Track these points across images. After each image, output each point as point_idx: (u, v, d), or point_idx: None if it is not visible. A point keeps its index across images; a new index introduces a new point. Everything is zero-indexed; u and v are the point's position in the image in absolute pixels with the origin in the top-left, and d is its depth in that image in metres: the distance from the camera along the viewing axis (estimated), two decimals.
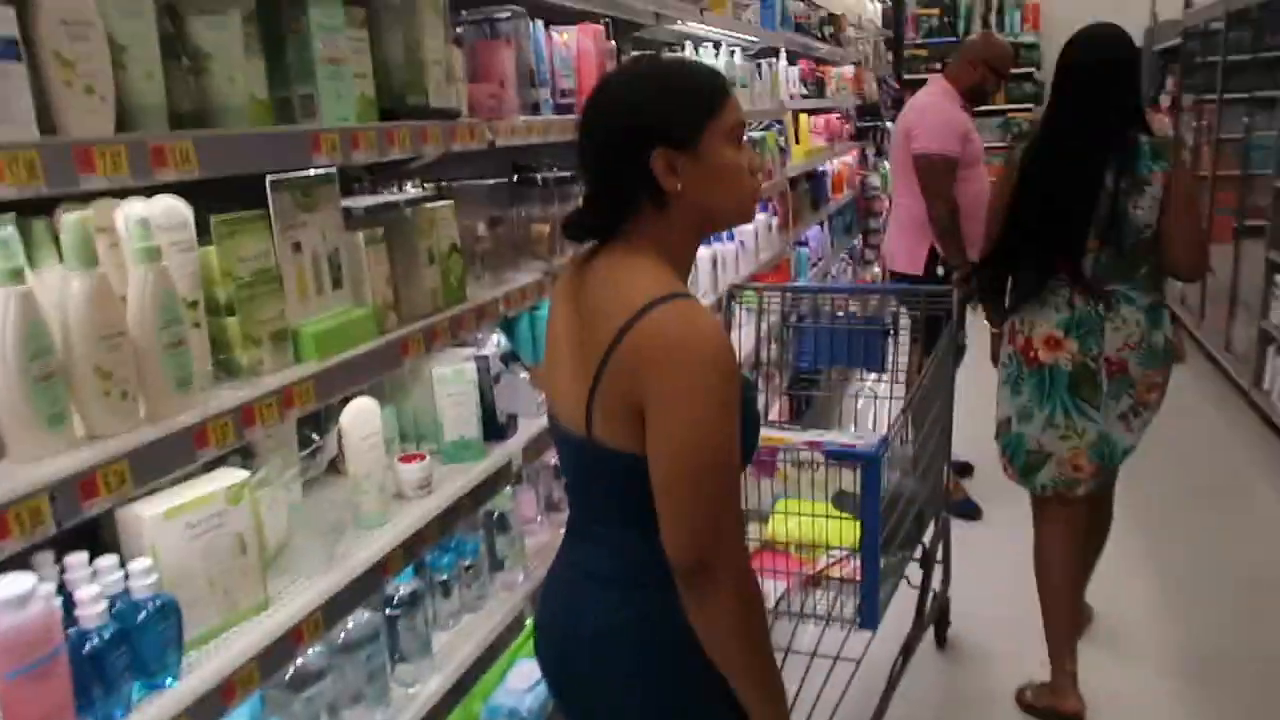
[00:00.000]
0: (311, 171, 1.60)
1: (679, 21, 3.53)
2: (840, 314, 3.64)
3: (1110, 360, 2.65)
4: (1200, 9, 7.35)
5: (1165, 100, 8.32)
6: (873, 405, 3.42)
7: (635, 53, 3.23)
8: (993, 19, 12.19)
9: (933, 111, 4.26)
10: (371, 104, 1.76)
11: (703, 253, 3.88)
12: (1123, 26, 2.72)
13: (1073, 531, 2.88)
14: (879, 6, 10.38)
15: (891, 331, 3.67)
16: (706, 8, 3.57)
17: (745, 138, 1.53)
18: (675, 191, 1.38)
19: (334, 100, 1.64)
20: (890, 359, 3.61)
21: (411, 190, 1.99)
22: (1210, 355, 6.34)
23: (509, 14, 2.08)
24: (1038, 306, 2.73)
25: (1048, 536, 2.91)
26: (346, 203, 1.75)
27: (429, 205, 1.84)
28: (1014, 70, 11.67)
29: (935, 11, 12.42)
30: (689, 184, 1.38)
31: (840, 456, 2.50)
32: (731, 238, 4.36)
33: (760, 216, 4.87)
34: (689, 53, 3.89)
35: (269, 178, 1.46)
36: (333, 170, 1.61)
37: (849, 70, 7.65)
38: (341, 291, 1.64)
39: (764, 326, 3.82)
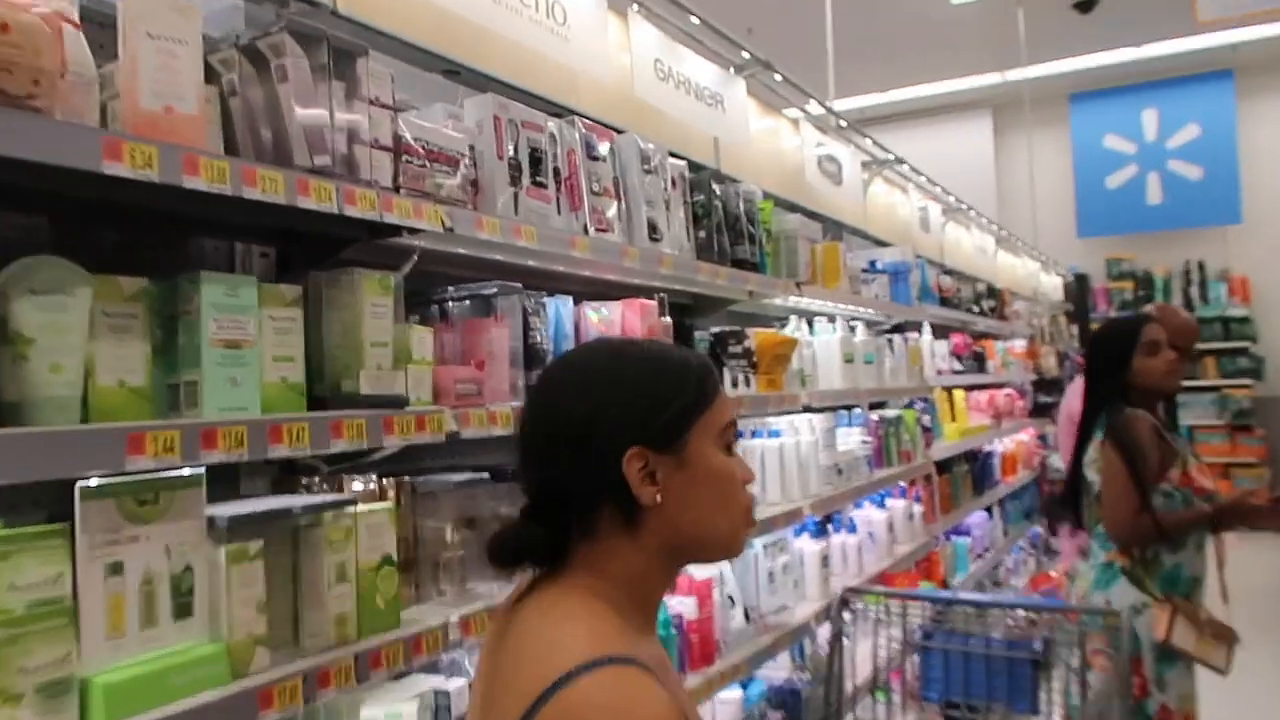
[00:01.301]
0: (185, 471, 1.32)
1: (781, 298, 3.25)
2: (992, 636, 2.97)
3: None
4: None
5: None
6: None
7: (716, 329, 2.95)
8: (1194, 292, 11.37)
9: None
10: (294, 390, 1.51)
11: (811, 546, 3.35)
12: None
13: None
14: (1058, 280, 9.92)
15: (1042, 661, 2.94)
16: (805, 281, 3.29)
17: (738, 444, 1.18)
18: (654, 504, 1.07)
19: (224, 388, 1.39)
20: (1050, 698, 2.87)
21: (358, 486, 1.69)
22: None
23: (495, 289, 1.84)
24: None
25: None
26: (247, 506, 1.45)
27: (349, 510, 1.52)
28: (1226, 345, 10.65)
29: (1129, 285, 11.77)
30: (671, 496, 1.08)
31: None
32: (853, 530, 3.80)
33: (898, 503, 4.29)
34: (793, 329, 3.58)
35: (79, 484, 1.19)
36: (198, 470, 1.33)
37: (1019, 344, 7.12)
38: (189, 622, 1.30)
39: (886, 641, 3.18)
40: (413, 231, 1.69)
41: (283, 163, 1.44)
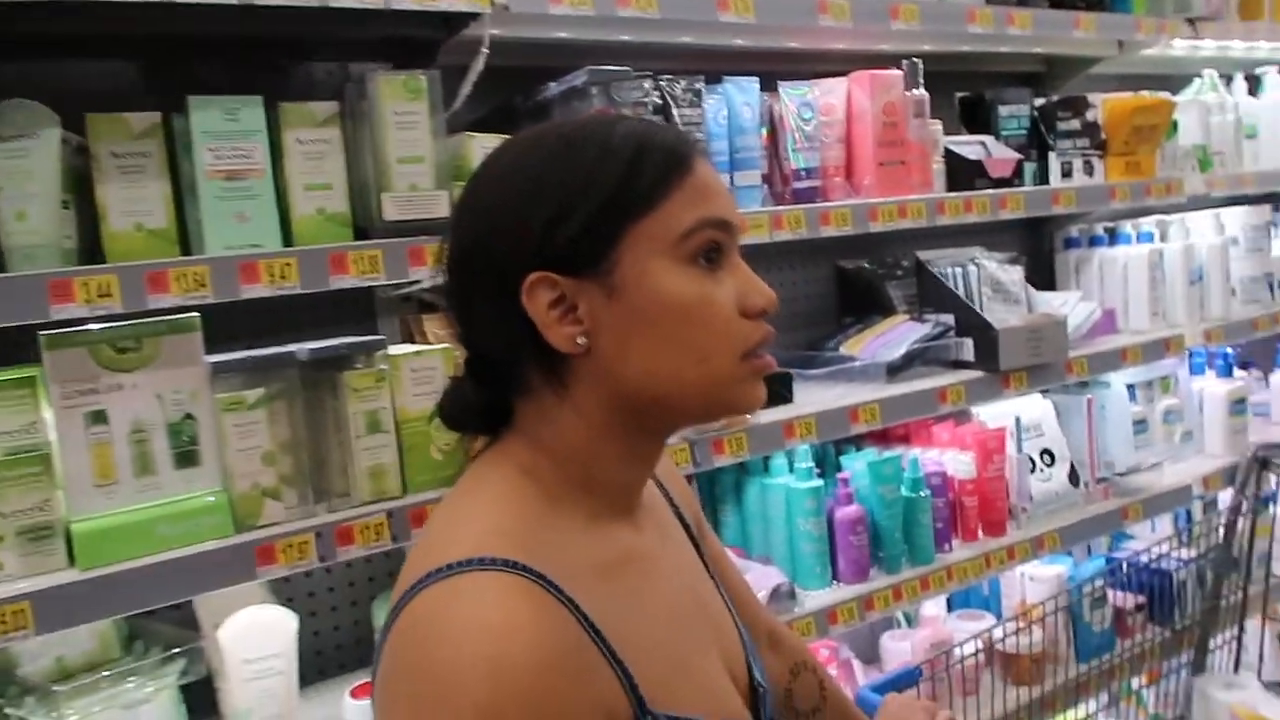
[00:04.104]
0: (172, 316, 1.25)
1: (1170, 43, 2.33)
2: None
3: None
4: None
5: None
6: None
7: (1041, 102, 2.20)
8: None
9: None
10: (336, 222, 1.37)
11: (1216, 387, 2.49)
12: None
13: None
14: None
15: None
16: (1207, 16, 2.29)
17: (733, 250, 0.83)
18: (576, 350, 0.78)
19: (228, 224, 1.28)
20: None
21: None
22: None
23: (585, 77, 1.46)
24: None
25: None
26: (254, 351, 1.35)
27: (380, 354, 1.35)
28: None
29: None
30: (604, 337, 0.79)
31: None
32: None
33: None
34: (1199, 90, 2.57)
35: (42, 333, 1.16)
36: (190, 316, 1.25)
37: None
38: (196, 472, 1.26)
39: None
40: (475, 17, 1.41)
41: None
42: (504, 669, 0.65)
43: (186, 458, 1.25)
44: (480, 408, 0.85)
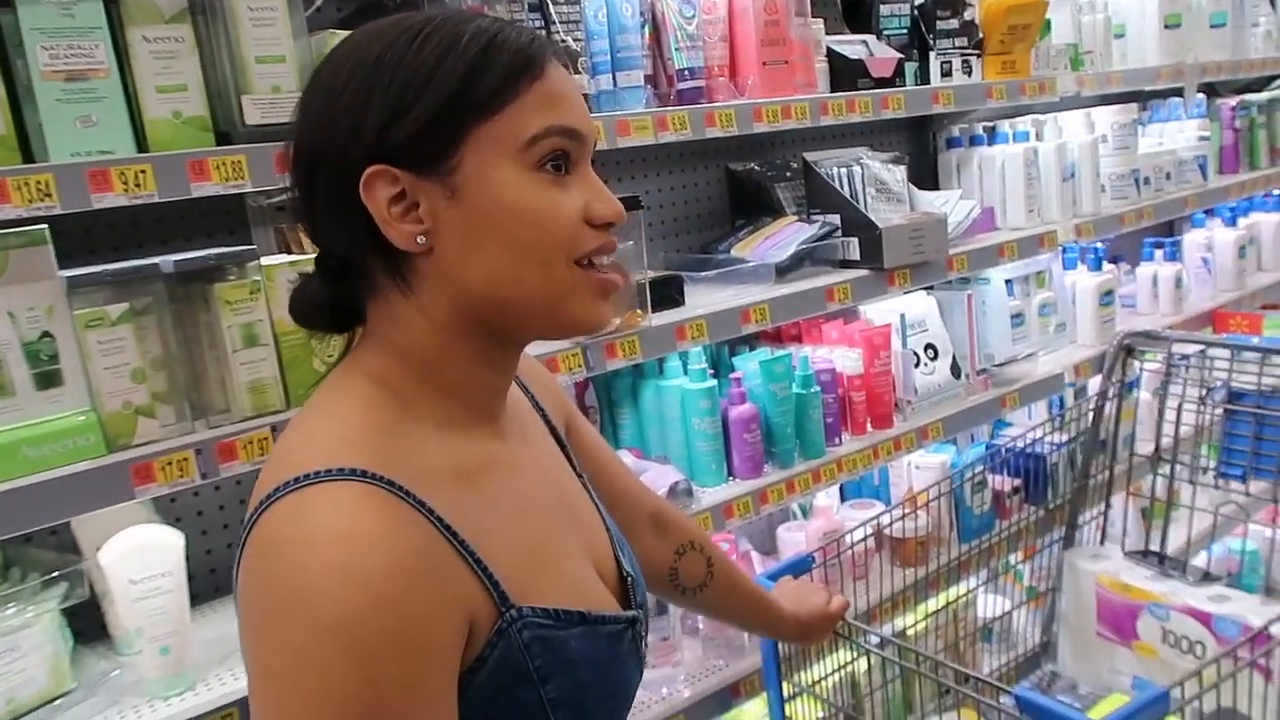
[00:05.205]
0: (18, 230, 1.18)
1: None
2: None
3: None
4: None
5: None
6: None
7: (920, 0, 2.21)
8: None
9: None
10: (195, 126, 1.29)
11: (1087, 280, 2.61)
12: None
13: None
14: None
15: None
16: None
17: (582, 160, 0.81)
18: (416, 249, 0.77)
19: (72, 130, 1.20)
20: None
21: None
22: None
23: None
24: None
25: None
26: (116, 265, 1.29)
27: (252, 265, 1.30)
28: None
29: None
30: (446, 239, 0.77)
31: None
32: (1173, 256, 2.91)
33: (1270, 218, 3.23)
34: None
35: None
36: (38, 228, 1.17)
37: None
38: (59, 392, 1.20)
39: (1180, 401, 2.46)
40: None
41: None
42: (359, 576, 0.64)
43: (48, 378, 1.20)
44: (328, 304, 0.83)
